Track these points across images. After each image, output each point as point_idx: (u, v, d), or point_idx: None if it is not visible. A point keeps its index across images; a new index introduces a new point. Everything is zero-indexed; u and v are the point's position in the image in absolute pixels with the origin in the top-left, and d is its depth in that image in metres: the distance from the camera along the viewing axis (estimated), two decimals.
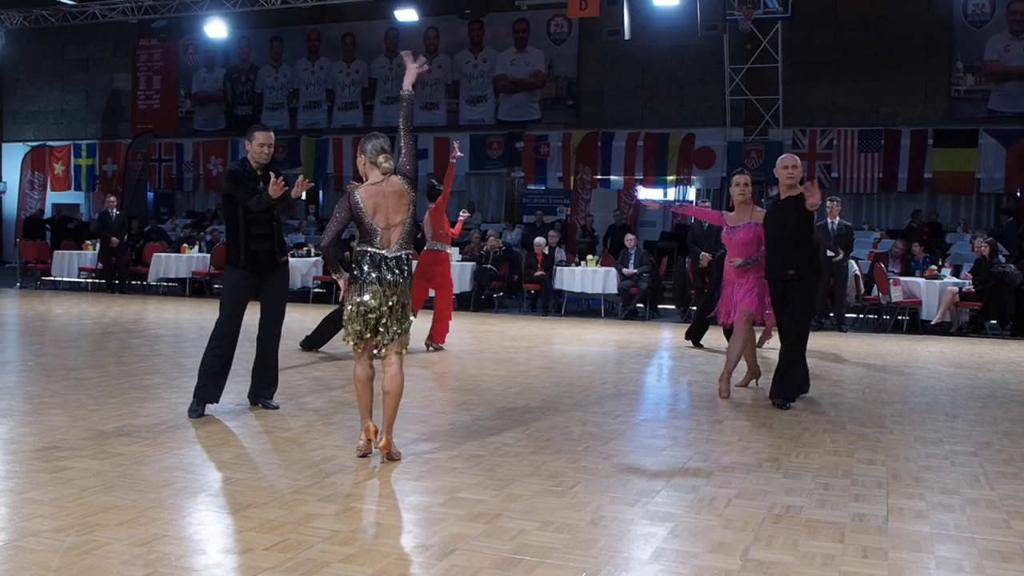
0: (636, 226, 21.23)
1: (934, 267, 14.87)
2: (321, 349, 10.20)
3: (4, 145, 28.94)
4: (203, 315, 13.82)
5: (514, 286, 17.30)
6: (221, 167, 25.16)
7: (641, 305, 16.22)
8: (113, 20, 23.19)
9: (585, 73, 22.71)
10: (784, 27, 19.66)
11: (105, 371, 8.64)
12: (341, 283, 5.53)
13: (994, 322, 14.58)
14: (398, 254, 5.39)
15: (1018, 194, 19.72)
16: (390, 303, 5.37)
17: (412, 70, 5.92)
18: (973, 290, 14.26)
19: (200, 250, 19.22)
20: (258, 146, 6.64)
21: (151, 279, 19.22)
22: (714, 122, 21.23)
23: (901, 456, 5.89)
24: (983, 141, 19.56)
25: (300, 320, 12.09)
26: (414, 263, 8.62)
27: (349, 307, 5.39)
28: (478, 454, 5.63)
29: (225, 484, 4.89)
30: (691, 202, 7.22)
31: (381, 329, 5.40)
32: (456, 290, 16.49)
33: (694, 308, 13.38)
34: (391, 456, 5.40)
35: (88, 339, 11.49)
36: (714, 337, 11.72)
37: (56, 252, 20.38)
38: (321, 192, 25.31)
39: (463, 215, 11.74)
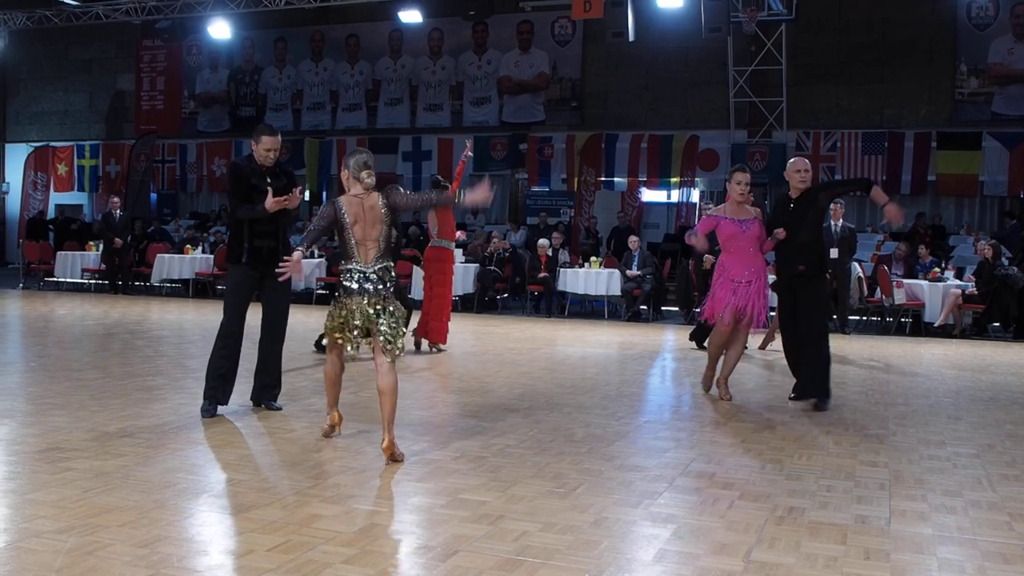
0: (640, 228, 21.24)
1: (937, 269, 14.86)
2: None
3: (7, 146, 28.97)
4: (206, 316, 13.83)
5: (517, 288, 17.30)
6: (224, 168, 25.14)
7: (644, 307, 16.21)
8: (117, 21, 23.21)
9: (589, 75, 22.71)
10: (788, 29, 19.65)
11: (108, 372, 8.65)
12: (296, 256, 5.67)
13: (997, 325, 14.56)
14: (377, 267, 5.62)
15: (1021, 196, 19.68)
16: (375, 308, 5.57)
17: (481, 195, 6.27)
18: (976, 293, 14.24)
19: (203, 251, 19.24)
20: (264, 150, 6.64)
21: (154, 280, 19.23)
22: (718, 124, 21.23)
23: (904, 458, 5.89)
24: (987, 144, 19.53)
25: (303, 321, 12.09)
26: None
27: (331, 321, 5.69)
28: (481, 455, 5.63)
29: (228, 485, 4.90)
30: (693, 230, 7.20)
31: (375, 330, 5.59)
32: (459, 291, 16.56)
33: (697, 310, 13.37)
34: (395, 457, 5.42)
35: (91, 340, 11.50)
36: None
37: (59, 253, 20.38)
38: (325, 193, 25.29)
39: (466, 155, 11.35)
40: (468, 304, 16.55)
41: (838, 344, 12.63)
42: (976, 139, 19.56)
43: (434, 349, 10.81)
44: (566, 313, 16.66)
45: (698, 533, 4.28)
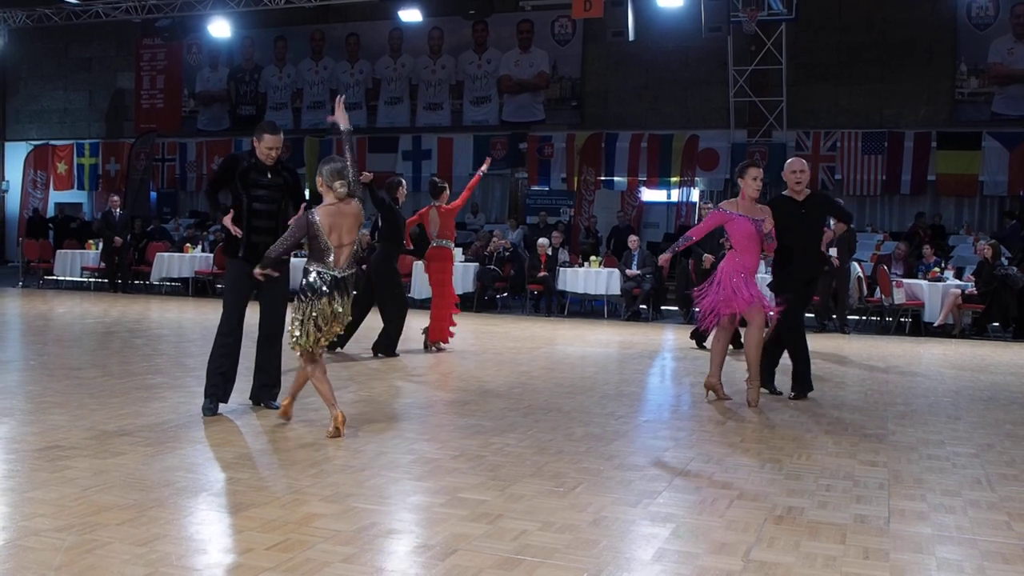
0: (639, 227, 21.23)
1: (937, 269, 14.86)
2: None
3: (7, 144, 28.97)
4: (206, 315, 13.82)
5: (517, 287, 17.30)
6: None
7: (644, 306, 16.21)
8: (117, 19, 23.21)
9: (589, 74, 22.71)
10: (788, 29, 19.65)
11: (107, 371, 8.65)
12: (257, 270, 6.06)
13: (996, 324, 14.56)
14: (346, 274, 5.95)
15: (1021, 196, 19.68)
16: (338, 310, 5.93)
17: (341, 109, 6.43)
18: (976, 292, 14.24)
19: (203, 250, 19.23)
20: (265, 149, 6.66)
21: (154, 279, 19.23)
22: (718, 124, 21.23)
23: (903, 458, 5.89)
24: (986, 144, 19.54)
25: None
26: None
27: (302, 322, 5.87)
28: (480, 454, 5.63)
29: (226, 484, 4.90)
30: (690, 238, 7.15)
31: (338, 328, 6.02)
32: (459, 291, 16.53)
33: (697, 309, 13.34)
34: (287, 416, 6.30)
35: (90, 339, 11.50)
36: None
37: (59, 251, 20.38)
38: None
39: (482, 171, 11.48)
40: (468, 303, 16.53)
41: (838, 344, 12.67)
42: (976, 139, 19.57)
43: (434, 348, 10.82)
44: (566, 312, 16.66)
45: (697, 532, 4.28)
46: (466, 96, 23.75)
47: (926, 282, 14.54)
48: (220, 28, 22.54)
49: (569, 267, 16.70)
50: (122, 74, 27.38)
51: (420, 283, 16.78)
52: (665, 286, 16.97)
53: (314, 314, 5.85)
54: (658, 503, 4.72)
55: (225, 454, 5.51)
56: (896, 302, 14.64)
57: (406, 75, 24.26)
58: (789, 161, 8.05)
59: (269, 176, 6.60)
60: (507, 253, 17.54)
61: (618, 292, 16.11)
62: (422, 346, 10.85)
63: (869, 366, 10.56)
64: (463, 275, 16.46)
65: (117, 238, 18.80)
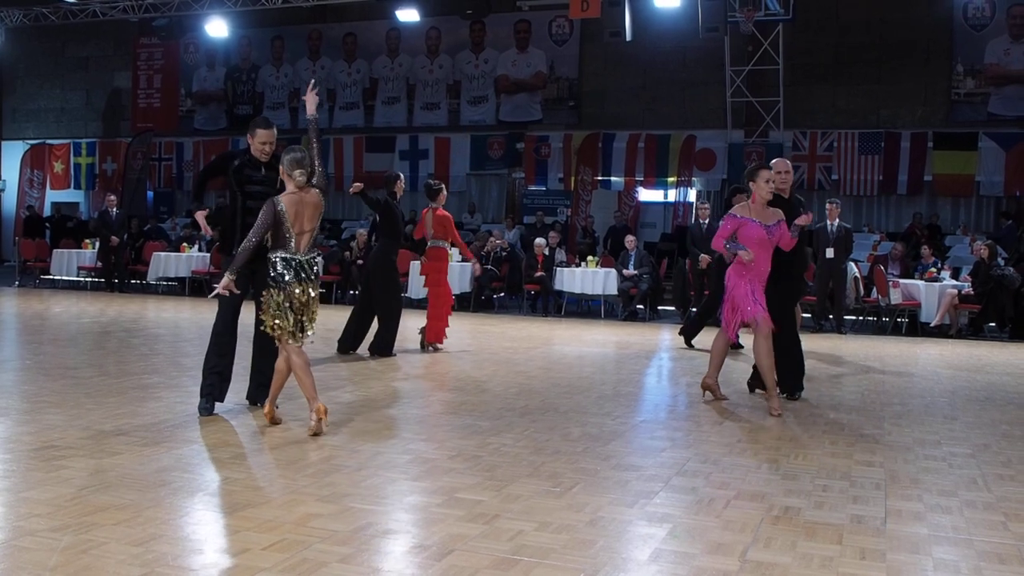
0: (636, 227, 21.24)
1: (933, 270, 14.88)
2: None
3: (4, 143, 28.93)
4: (202, 314, 13.81)
5: (514, 287, 17.30)
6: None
7: (641, 306, 16.22)
8: (114, 18, 23.21)
9: (586, 74, 22.72)
10: (785, 29, 19.67)
11: (104, 370, 8.64)
12: (225, 281, 6.09)
13: (993, 325, 14.58)
14: (308, 256, 6.11)
15: (1017, 196, 19.70)
16: (311, 294, 6.10)
17: (311, 97, 6.62)
18: (972, 293, 14.26)
19: (200, 249, 19.22)
20: (259, 144, 6.68)
21: (150, 278, 19.23)
22: (715, 124, 21.25)
23: (899, 458, 5.89)
24: (983, 144, 19.60)
25: None
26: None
27: (273, 312, 6.04)
28: (477, 454, 5.63)
29: (223, 484, 4.89)
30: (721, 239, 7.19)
31: (304, 319, 6.12)
32: (456, 291, 16.53)
33: (694, 309, 13.35)
34: (275, 421, 6.28)
35: (87, 338, 11.49)
36: (710, 337, 11.66)
37: (55, 251, 20.36)
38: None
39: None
40: (465, 303, 16.53)
41: (834, 344, 12.68)
42: (972, 139, 19.62)
43: (431, 348, 10.82)
44: (563, 312, 16.66)
45: (694, 532, 4.27)
46: (463, 96, 23.76)
47: (922, 282, 14.56)
48: (217, 27, 22.54)
49: (566, 267, 16.70)
50: (119, 73, 27.38)
51: (418, 283, 16.80)
52: (662, 286, 16.98)
53: (287, 302, 6.02)
54: (655, 503, 4.72)
55: (221, 454, 5.50)
56: (893, 302, 14.65)
57: (403, 75, 24.26)
58: (775, 161, 8.09)
59: (263, 172, 6.60)
60: (504, 253, 17.55)
61: (615, 292, 16.11)
62: (419, 346, 10.86)
63: (866, 366, 10.57)
64: (460, 275, 16.45)
65: (114, 237, 18.80)
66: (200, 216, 6.91)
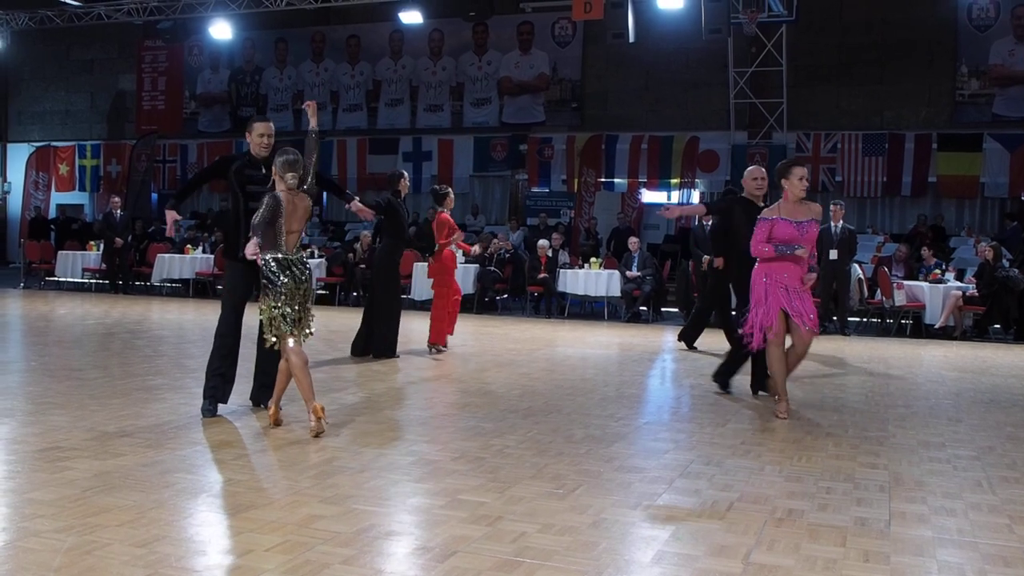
0: (640, 229, 21.24)
1: (938, 271, 14.86)
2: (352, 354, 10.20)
3: (9, 145, 28.99)
4: (206, 316, 13.82)
5: (517, 288, 17.30)
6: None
7: (644, 308, 16.21)
8: (118, 21, 23.23)
9: (589, 76, 22.72)
10: (788, 30, 19.65)
11: (108, 372, 8.65)
12: (252, 247, 6.13)
13: (997, 326, 14.56)
14: (299, 255, 6.24)
15: (1022, 198, 19.67)
16: (302, 291, 6.17)
17: (313, 109, 6.76)
18: (977, 294, 14.24)
19: (204, 251, 19.24)
20: (258, 136, 6.71)
21: (154, 280, 19.25)
22: (718, 125, 21.24)
23: (904, 460, 5.88)
24: (987, 145, 19.55)
25: None
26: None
27: (271, 313, 6.12)
28: (480, 456, 5.63)
29: (226, 485, 4.89)
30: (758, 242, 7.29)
31: (301, 316, 6.20)
32: (462, 292, 16.53)
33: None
34: (279, 422, 6.27)
35: (91, 340, 11.50)
36: (711, 340, 11.67)
37: (60, 252, 20.41)
38: (325, 194, 25.29)
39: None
40: (468, 305, 16.52)
41: (838, 346, 12.67)
42: (977, 141, 19.57)
43: (433, 350, 10.82)
44: (566, 314, 16.66)
45: (697, 535, 4.27)
46: (466, 98, 23.77)
47: (927, 284, 14.53)
48: (221, 30, 22.55)
49: (569, 269, 16.70)
50: (123, 76, 27.42)
51: (420, 285, 16.81)
52: (665, 288, 16.97)
53: (282, 300, 6.08)
54: (658, 505, 4.72)
55: (225, 455, 5.51)
56: (897, 304, 14.63)
57: (406, 77, 24.27)
58: (750, 169, 8.33)
59: (264, 171, 6.60)
60: (507, 255, 17.54)
61: (618, 294, 16.11)
62: (427, 346, 10.90)
63: (870, 368, 10.56)
64: (463, 277, 16.43)
65: (118, 239, 18.82)
66: (172, 216, 6.98)
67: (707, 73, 21.23)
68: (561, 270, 16.57)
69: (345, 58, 24.88)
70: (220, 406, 6.67)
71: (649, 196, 22.54)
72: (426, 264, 16.64)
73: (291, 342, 6.15)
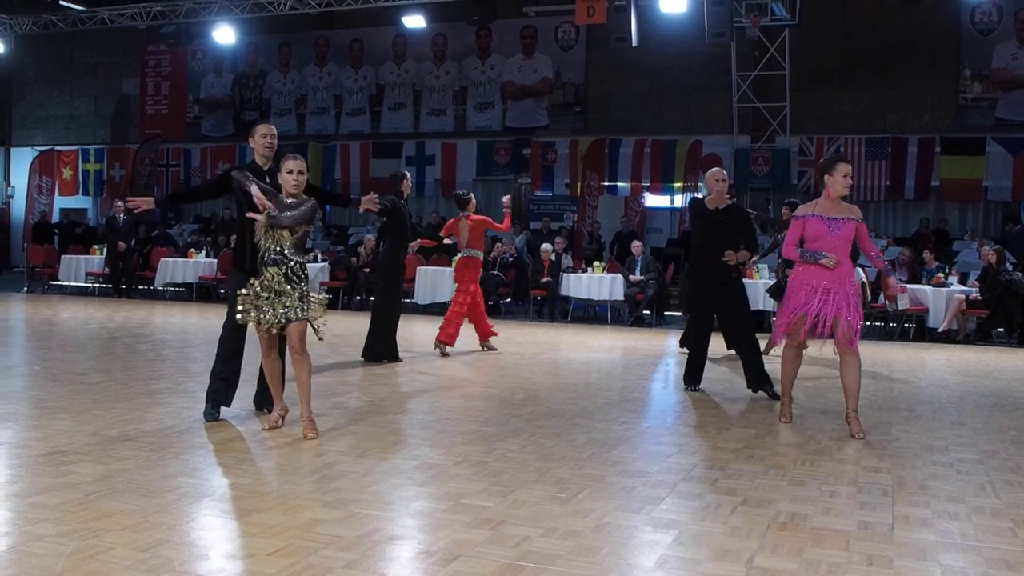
0: (643, 233, 21.21)
1: (941, 275, 14.85)
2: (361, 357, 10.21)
3: (13, 150, 29.03)
4: (210, 320, 13.83)
5: (521, 292, 17.30)
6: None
7: (647, 312, 16.22)
8: (122, 25, 23.26)
9: (592, 80, 22.72)
10: (791, 34, 19.65)
11: (111, 376, 8.65)
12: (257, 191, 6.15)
13: (1001, 330, 14.55)
14: (296, 259, 6.16)
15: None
16: (283, 281, 6.07)
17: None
18: (980, 298, 14.23)
19: (207, 255, 19.26)
20: (260, 137, 6.74)
21: (158, 284, 19.28)
22: (721, 129, 21.23)
23: (907, 464, 5.88)
24: (990, 149, 19.53)
25: None
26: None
27: (254, 298, 6.13)
28: (483, 460, 5.63)
29: (229, 489, 4.89)
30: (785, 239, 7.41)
31: (279, 310, 6.08)
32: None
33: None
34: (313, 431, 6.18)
35: (94, 344, 11.52)
36: (712, 344, 11.65)
37: (63, 257, 20.45)
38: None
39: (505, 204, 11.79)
40: None
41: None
42: (980, 144, 19.55)
43: (438, 348, 10.90)
44: (569, 318, 16.66)
45: (700, 539, 4.27)
46: (470, 102, 23.79)
47: (930, 288, 14.52)
48: (225, 34, 22.57)
49: (572, 272, 16.71)
50: (127, 80, 27.46)
51: (423, 289, 16.84)
52: (668, 292, 16.97)
53: (260, 290, 6.09)
54: (661, 509, 4.71)
55: (228, 459, 5.51)
56: (900, 308, 14.62)
57: (410, 81, 24.29)
58: (712, 171, 8.55)
59: (268, 180, 6.59)
60: (511, 259, 17.55)
61: (621, 297, 16.12)
62: (434, 348, 11.06)
63: (873, 372, 10.54)
64: None
65: (121, 243, 18.85)
66: (147, 204, 6.78)
67: (710, 77, 21.24)
68: (564, 274, 16.58)
69: (348, 62, 24.91)
70: (223, 410, 6.67)
71: (652, 200, 22.53)
72: (427, 267, 16.77)
73: (263, 334, 6.21)
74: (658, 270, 16.38)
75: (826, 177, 6.80)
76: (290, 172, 6.12)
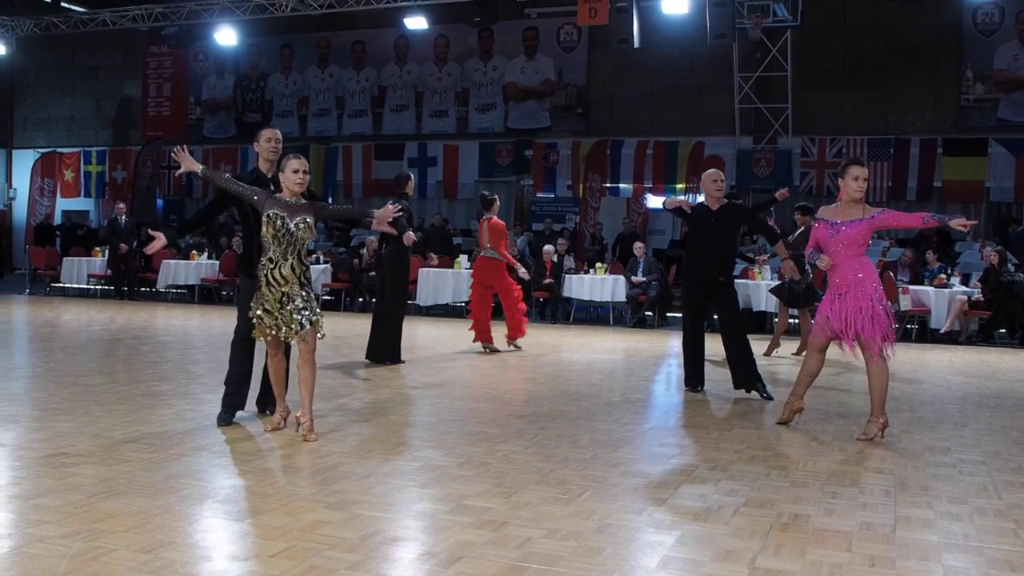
0: (645, 234, 21.22)
1: (943, 276, 14.84)
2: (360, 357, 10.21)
3: (15, 152, 29.03)
4: (212, 322, 13.83)
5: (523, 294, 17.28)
6: (231, 174, 25.15)
7: (650, 313, 16.21)
8: (123, 27, 23.25)
9: (594, 81, 22.72)
10: (793, 35, 19.64)
11: (113, 378, 8.66)
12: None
13: (1003, 331, 14.53)
14: (294, 264, 6.14)
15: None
16: (282, 294, 6.06)
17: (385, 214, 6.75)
18: (982, 299, 14.22)
19: (209, 257, 19.27)
20: (265, 141, 6.76)
21: (160, 286, 19.30)
22: (723, 130, 21.21)
23: (909, 465, 5.87)
24: (993, 150, 19.51)
25: None
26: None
27: (257, 308, 6.17)
28: (485, 461, 5.63)
29: (232, 491, 4.90)
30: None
31: (281, 323, 6.10)
32: (465, 297, 16.57)
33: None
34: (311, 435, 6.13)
35: (97, 346, 11.52)
36: (712, 346, 11.62)
37: (65, 259, 20.47)
38: (331, 199, 25.33)
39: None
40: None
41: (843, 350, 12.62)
42: (982, 145, 19.54)
43: (513, 346, 11.58)
44: (571, 319, 16.66)
45: (702, 540, 4.27)
46: (471, 103, 23.79)
47: (932, 288, 14.51)
48: (226, 36, 22.57)
49: (575, 274, 16.70)
50: (129, 82, 27.47)
51: (425, 290, 16.84)
52: (671, 293, 16.95)
53: (262, 303, 6.10)
54: (663, 510, 4.72)
55: (230, 461, 5.52)
56: (902, 309, 14.61)
57: (412, 82, 24.30)
58: (709, 172, 8.56)
59: (273, 188, 6.58)
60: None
61: (624, 299, 16.11)
62: (508, 346, 11.61)
63: None
64: (466, 282, 16.47)
65: (123, 245, 18.84)
66: (160, 242, 6.82)
67: (712, 78, 21.23)
68: (566, 275, 16.57)
69: (350, 64, 24.91)
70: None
71: (654, 201, 22.50)
72: (429, 269, 16.76)
73: (270, 342, 6.26)
74: (660, 271, 16.37)
75: (840, 181, 6.80)
76: (295, 171, 6.07)
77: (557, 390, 8.61)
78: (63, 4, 23.15)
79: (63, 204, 27.75)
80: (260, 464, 5.53)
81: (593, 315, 17.42)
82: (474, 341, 11.57)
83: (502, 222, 11.69)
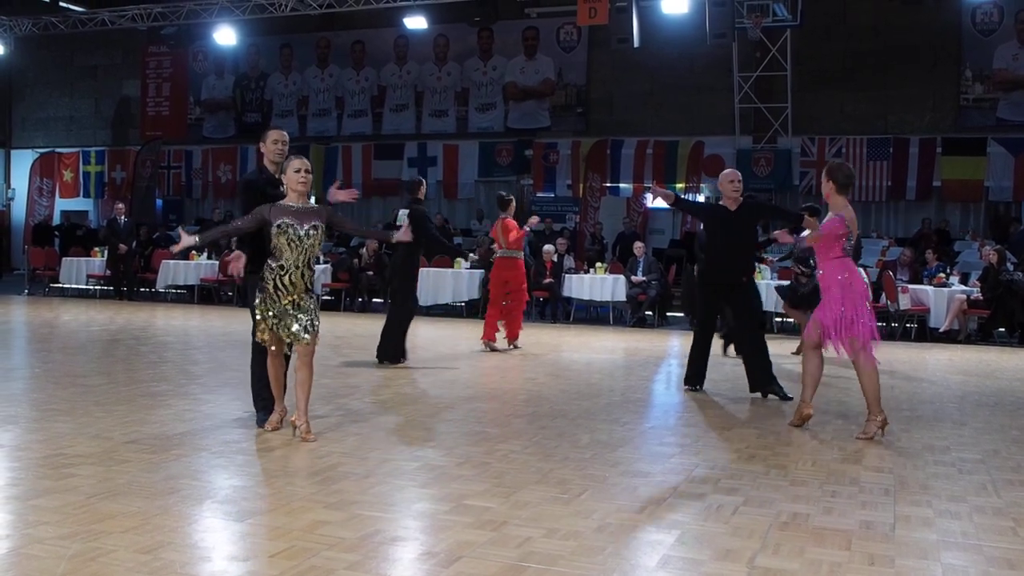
0: (645, 233, 21.22)
1: (942, 275, 14.84)
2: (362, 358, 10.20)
3: (13, 152, 29.01)
4: (211, 322, 13.83)
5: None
6: (230, 174, 25.25)
7: (650, 312, 16.21)
8: (122, 27, 23.24)
9: (594, 81, 22.72)
10: (793, 35, 19.63)
11: (113, 378, 8.66)
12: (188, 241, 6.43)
13: (1002, 330, 14.54)
14: (299, 269, 6.14)
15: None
16: (289, 301, 6.06)
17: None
18: (981, 298, 14.22)
19: (208, 257, 19.25)
20: (272, 143, 6.73)
21: (159, 286, 19.29)
22: (723, 130, 21.20)
23: (908, 464, 5.88)
24: (992, 149, 19.51)
25: None
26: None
27: (260, 314, 6.17)
28: (485, 461, 5.63)
29: (231, 491, 4.89)
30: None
31: (283, 330, 6.10)
32: (465, 297, 16.62)
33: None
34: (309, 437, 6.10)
35: (96, 346, 11.52)
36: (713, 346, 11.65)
37: (64, 259, 20.45)
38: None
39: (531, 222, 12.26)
40: (474, 310, 16.55)
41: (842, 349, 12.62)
42: (981, 145, 19.54)
43: (512, 347, 11.61)
44: (571, 319, 16.66)
45: (702, 539, 4.27)
46: (471, 103, 23.79)
47: (931, 288, 14.52)
48: (226, 36, 22.55)
49: (575, 273, 16.71)
50: (128, 82, 27.45)
51: (425, 290, 16.82)
52: (671, 292, 16.96)
53: (268, 309, 6.09)
54: (663, 509, 4.72)
55: (229, 461, 5.51)
56: (902, 308, 14.61)
57: (411, 82, 24.30)
58: (725, 172, 8.52)
59: (282, 188, 6.57)
60: None
61: (624, 298, 16.11)
62: (509, 346, 11.68)
63: None
64: (468, 282, 16.52)
65: (122, 245, 18.84)
66: (187, 242, 6.54)
67: (712, 78, 21.22)
68: (566, 275, 16.58)
69: (350, 64, 24.90)
70: (225, 412, 6.67)
71: (654, 201, 22.53)
72: (429, 269, 16.75)
73: (273, 348, 6.24)
74: (660, 271, 16.38)
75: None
76: (297, 171, 6.07)
77: (557, 390, 8.61)
78: (62, 4, 23.12)
79: (62, 204, 27.73)
80: (259, 464, 5.53)
81: (593, 315, 17.42)
82: (482, 338, 11.68)
83: (514, 221, 11.76)
